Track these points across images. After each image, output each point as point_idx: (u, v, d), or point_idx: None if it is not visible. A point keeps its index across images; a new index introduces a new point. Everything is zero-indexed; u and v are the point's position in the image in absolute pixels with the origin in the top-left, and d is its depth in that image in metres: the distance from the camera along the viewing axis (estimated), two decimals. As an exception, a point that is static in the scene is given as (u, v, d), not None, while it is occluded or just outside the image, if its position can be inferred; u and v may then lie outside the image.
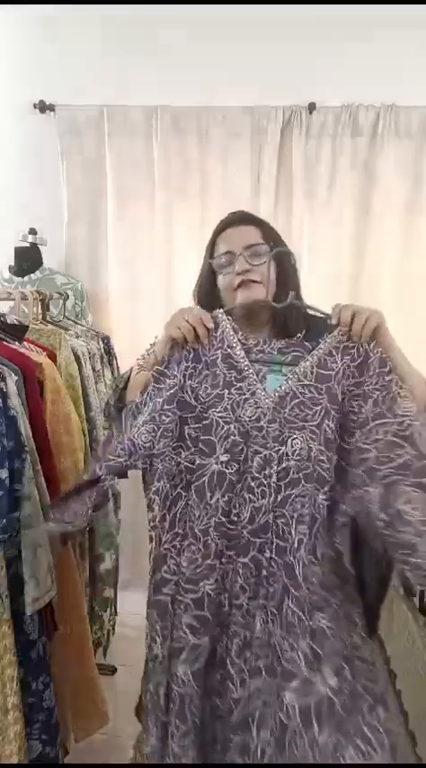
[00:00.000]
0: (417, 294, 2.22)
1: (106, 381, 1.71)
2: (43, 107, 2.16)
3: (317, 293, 2.10)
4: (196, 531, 0.94)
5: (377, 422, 0.90)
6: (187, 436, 0.98)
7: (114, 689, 1.84)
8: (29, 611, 1.07)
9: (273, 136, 2.11)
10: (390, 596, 1.89)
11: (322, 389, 0.94)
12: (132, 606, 2.35)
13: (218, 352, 0.99)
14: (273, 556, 0.91)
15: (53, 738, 1.20)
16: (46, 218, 2.18)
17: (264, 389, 0.97)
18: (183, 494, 0.98)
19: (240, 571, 0.92)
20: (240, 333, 1.01)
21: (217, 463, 0.94)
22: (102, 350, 1.73)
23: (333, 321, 0.96)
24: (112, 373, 1.83)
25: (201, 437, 0.96)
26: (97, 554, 1.71)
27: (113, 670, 1.93)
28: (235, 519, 0.93)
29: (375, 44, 2.05)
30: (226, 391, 0.97)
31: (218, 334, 1.01)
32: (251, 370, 0.98)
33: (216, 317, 1.01)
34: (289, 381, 0.96)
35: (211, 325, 0.99)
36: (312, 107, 2.08)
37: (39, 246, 2.08)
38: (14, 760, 1.05)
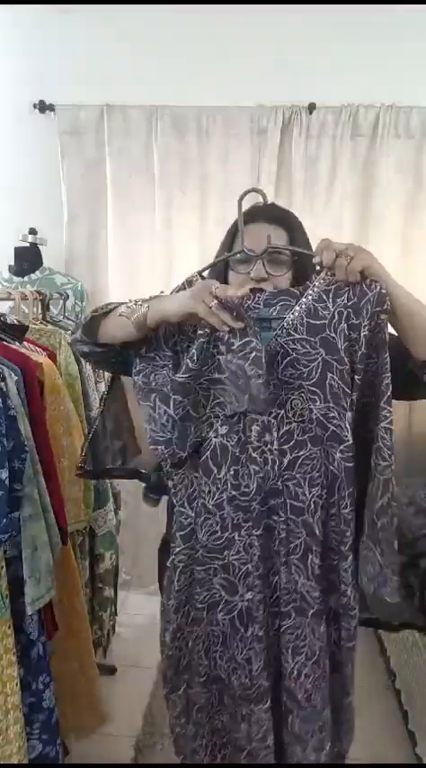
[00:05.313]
0: (417, 294, 2.22)
1: (106, 381, 1.71)
2: (43, 107, 2.16)
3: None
4: (210, 506, 0.92)
5: (366, 362, 0.86)
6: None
7: (114, 689, 1.84)
8: (29, 610, 1.07)
9: (273, 136, 2.11)
10: (390, 596, 1.89)
11: (315, 342, 0.87)
12: (132, 606, 2.35)
13: None
14: (290, 516, 0.90)
15: (53, 738, 1.19)
16: (46, 218, 2.18)
17: None
18: (190, 473, 0.96)
19: (256, 543, 0.90)
20: None
21: (217, 437, 0.91)
22: (102, 350, 1.73)
23: (316, 261, 0.86)
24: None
25: None
26: (97, 554, 1.71)
27: (113, 670, 1.93)
28: (246, 491, 0.90)
29: (375, 44, 2.05)
30: None
31: None
32: None
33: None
34: (278, 338, 0.88)
35: (240, 325, 0.85)
36: (312, 107, 2.08)
37: (39, 246, 2.08)
38: (14, 760, 1.05)
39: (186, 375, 0.87)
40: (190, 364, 0.87)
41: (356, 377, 0.86)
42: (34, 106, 2.16)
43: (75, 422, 1.35)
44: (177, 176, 2.18)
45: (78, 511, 1.34)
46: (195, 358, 0.86)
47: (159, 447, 0.91)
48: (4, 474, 1.00)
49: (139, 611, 2.34)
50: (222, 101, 2.10)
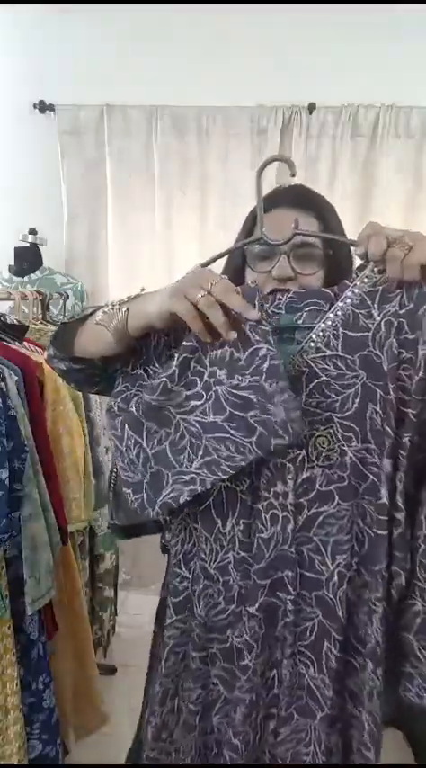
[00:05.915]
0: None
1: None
2: (43, 107, 2.16)
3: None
4: (210, 571, 0.71)
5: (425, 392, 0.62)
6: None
7: (114, 689, 1.84)
8: (29, 610, 1.07)
9: (273, 136, 2.11)
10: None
11: (354, 361, 0.65)
12: (132, 606, 2.36)
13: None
14: (301, 591, 0.68)
15: (53, 738, 1.20)
16: (46, 218, 2.18)
17: None
18: (188, 522, 0.74)
19: (247, 623, 0.69)
20: None
21: (223, 480, 0.68)
22: (102, 350, 1.73)
23: (359, 252, 0.63)
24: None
25: None
26: (97, 554, 1.71)
27: (113, 670, 1.93)
28: (258, 552, 0.68)
29: (375, 44, 2.05)
30: None
31: None
32: None
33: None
34: (304, 354, 0.67)
35: (256, 316, 0.61)
36: (312, 107, 2.08)
37: (39, 246, 2.08)
38: (14, 760, 1.05)
39: (162, 397, 0.66)
40: (168, 383, 0.66)
41: (410, 412, 0.62)
42: (34, 106, 2.16)
43: (76, 422, 1.35)
44: (177, 176, 2.18)
45: (78, 511, 1.34)
46: (175, 376, 0.66)
47: (128, 491, 0.70)
48: (5, 474, 1.00)
49: (139, 611, 2.34)
50: (222, 101, 2.10)
